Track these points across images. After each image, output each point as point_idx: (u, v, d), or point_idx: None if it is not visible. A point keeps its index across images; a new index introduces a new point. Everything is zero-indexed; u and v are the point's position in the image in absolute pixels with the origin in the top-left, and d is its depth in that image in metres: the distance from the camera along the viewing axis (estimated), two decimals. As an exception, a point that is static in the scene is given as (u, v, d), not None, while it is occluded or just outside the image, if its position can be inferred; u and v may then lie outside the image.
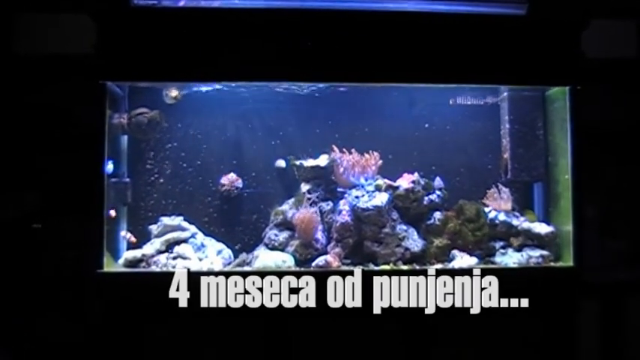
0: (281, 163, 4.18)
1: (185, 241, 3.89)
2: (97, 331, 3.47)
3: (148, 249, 3.79)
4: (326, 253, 3.82)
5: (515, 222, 3.92)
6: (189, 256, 3.77)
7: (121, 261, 3.73)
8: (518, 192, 4.11)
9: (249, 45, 3.50)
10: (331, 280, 3.38)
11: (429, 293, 3.40)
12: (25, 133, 3.79)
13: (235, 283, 3.39)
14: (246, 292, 3.37)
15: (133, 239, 3.83)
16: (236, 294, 3.37)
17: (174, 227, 3.91)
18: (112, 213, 3.64)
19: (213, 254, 3.89)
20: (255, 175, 4.20)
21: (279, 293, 3.37)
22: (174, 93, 3.98)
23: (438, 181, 4.08)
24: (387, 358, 3.58)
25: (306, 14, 3.52)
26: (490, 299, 3.41)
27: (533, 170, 4.03)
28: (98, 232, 3.48)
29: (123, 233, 3.82)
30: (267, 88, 4.03)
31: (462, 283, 3.44)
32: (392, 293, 3.40)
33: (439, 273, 3.50)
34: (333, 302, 3.36)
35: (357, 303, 3.36)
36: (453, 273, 3.53)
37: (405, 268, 3.73)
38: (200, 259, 3.81)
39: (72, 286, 3.58)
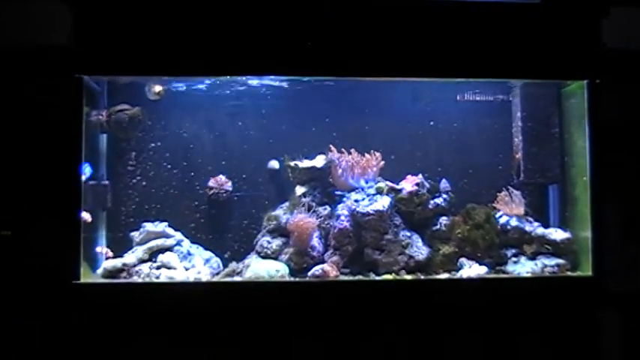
0: (274, 164, 4.16)
1: (170, 249, 3.86)
2: (74, 348, 3.39)
3: (130, 258, 3.74)
4: (323, 261, 3.78)
5: (528, 228, 3.88)
6: (174, 266, 3.73)
7: (99, 271, 3.69)
8: (532, 195, 4.09)
9: (242, 35, 3.46)
10: (329, 292, 3.39)
11: (435, 305, 3.41)
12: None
13: (225, 294, 3.43)
14: (236, 303, 3.37)
15: (110, 254, 3.77)
16: (225, 306, 3.37)
17: (158, 234, 3.87)
18: (86, 216, 3.57)
19: (200, 263, 3.86)
20: (246, 177, 4.20)
21: (273, 305, 3.37)
22: (157, 88, 3.96)
23: (444, 184, 4.05)
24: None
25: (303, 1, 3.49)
26: (501, 312, 3.42)
27: (547, 171, 4.00)
28: (74, 239, 3.42)
29: (99, 249, 3.77)
30: (260, 82, 3.99)
31: (471, 295, 3.45)
32: (395, 305, 3.41)
33: (446, 283, 3.56)
34: (331, 314, 3.36)
35: (357, 315, 3.37)
36: (461, 283, 3.56)
37: (408, 277, 3.71)
38: (186, 269, 3.77)
39: (45, 299, 3.47)
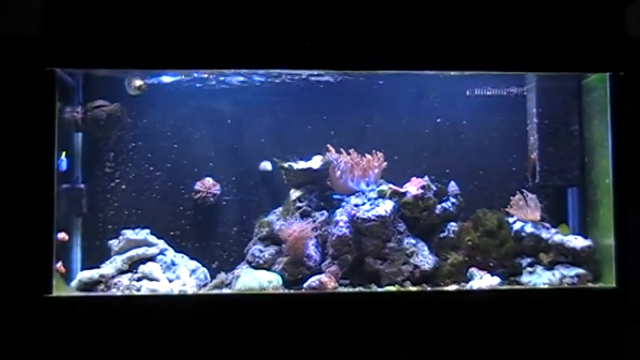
0: (266, 165, 4.16)
1: (152, 258, 3.84)
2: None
3: (108, 269, 3.70)
4: (320, 272, 3.76)
5: (544, 235, 3.85)
6: (156, 277, 3.70)
7: (74, 283, 3.65)
8: (549, 199, 4.08)
9: (233, 25, 3.41)
10: (327, 305, 3.38)
11: (442, 319, 3.38)
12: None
13: (212, 307, 3.40)
14: (225, 317, 3.34)
15: (62, 269, 3.66)
16: (213, 320, 3.34)
17: (139, 242, 3.85)
18: (62, 236, 3.57)
19: (185, 274, 3.81)
20: (236, 180, 4.20)
21: (266, 319, 3.34)
22: (138, 83, 3.91)
23: (452, 187, 4.04)
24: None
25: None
26: (516, 327, 3.38)
27: (566, 173, 4.01)
28: (46, 248, 3.37)
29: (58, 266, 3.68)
30: (250, 76, 3.95)
31: (483, 308, 3.42)
32: (399, 319, 3.37)
33: (455, 295, 3.55)
34: (329, 329, 3.33)
35: (358, 330, 3.34)
36: (472, 295, 3.56)
37: (413, 289, 3.69)
38: (170, 280, 3.74)
39: (14, 314, 3.41)
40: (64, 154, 3.55)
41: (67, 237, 3.64)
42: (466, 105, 4.16)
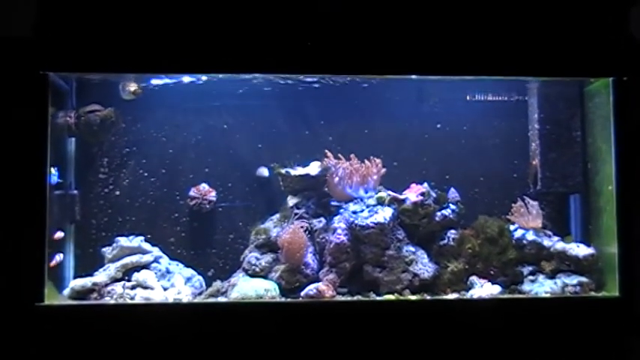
0: (263, 171, 4.14)
1: (146, 266, 3.81)
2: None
3: (101, 276, 3.68)
4: (318, 280, 3.74)
5: (546, 242, 3.83)
6: (151, 285, 3.68)
7: (66, 291, 3.63)
8: (551, 206, 4.08)
9: (230, 28, 3.40)
10: (324, 314, 3.37)
11: (442, 328, 3.36)
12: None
13: (208, 316, 3.38)
14: (221, 327, 3.33)
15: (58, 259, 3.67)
16: (209, 329, 3.32)
17: (133, 250, 3.83)
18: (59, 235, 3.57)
19: (180, 282, 3.81)
20: (232, 186, 4.18)
21: (262, 328, 3.32)
22: (133, 87, 3.91)
23: (452, 193, 4.02)
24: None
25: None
26: (517, 336, 3.36)
27: (568, 179, 4.00)
28: (38, 256, 3.34)
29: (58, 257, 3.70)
30: (247, 81, 3.93)
31: (483, 317, 3.40)
32: (398, 328, 3.35)
33: (455, 304, 3.53)
34: (326, 338, 3.32)
35: (356, 341, 3.32)
36: (472, 304, 3.55)
37: (413, 298, 3.67)
38: (165, 289, 3.73)
39: (4, 324, 3.39)
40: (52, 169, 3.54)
41: (61, 234, 3.64)
42: (467, 110, 4.18)
